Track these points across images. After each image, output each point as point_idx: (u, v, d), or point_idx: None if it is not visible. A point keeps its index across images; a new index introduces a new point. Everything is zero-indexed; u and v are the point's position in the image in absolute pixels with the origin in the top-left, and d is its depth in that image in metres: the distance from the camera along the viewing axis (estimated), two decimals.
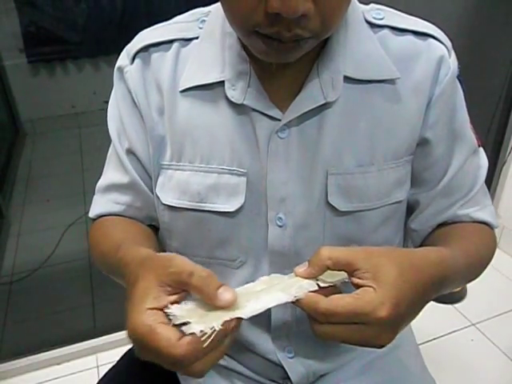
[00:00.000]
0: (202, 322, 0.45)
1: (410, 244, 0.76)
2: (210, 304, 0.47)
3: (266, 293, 0.50)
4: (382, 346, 0.50)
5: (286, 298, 0.49)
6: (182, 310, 0.46)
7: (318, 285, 0.50)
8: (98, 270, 0.70)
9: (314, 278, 0.51)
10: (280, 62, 0.57)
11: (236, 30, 0.56)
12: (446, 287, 0.57)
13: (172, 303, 0.46)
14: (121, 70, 0.67)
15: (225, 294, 0.46)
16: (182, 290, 0.47)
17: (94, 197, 0.75)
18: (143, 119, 0.66)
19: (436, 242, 0.67)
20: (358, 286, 0.49)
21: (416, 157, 0.66)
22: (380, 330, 0.48)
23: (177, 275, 0.46)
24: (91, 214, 0.74)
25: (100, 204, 0.73)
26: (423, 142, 0.65)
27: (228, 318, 0.46)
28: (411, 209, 0.71)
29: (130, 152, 0.68)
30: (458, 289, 1.79)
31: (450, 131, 0.66)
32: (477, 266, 0.67)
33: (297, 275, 0.51)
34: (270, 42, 0.51)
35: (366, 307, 0.46)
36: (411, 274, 0.50)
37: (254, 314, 0.47)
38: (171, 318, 0.45)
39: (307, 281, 0.51)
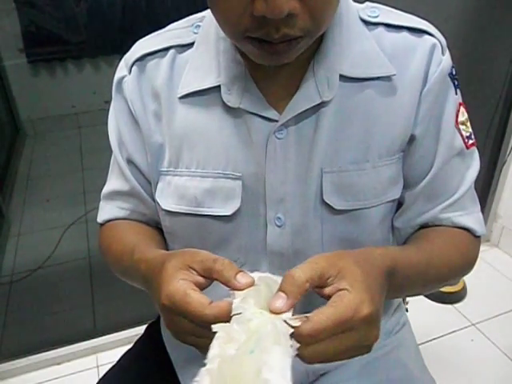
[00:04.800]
0: None
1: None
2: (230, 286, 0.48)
3: None
4: (370, 348, 0.49)
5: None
6: None
7: (285, 321, 0.45)
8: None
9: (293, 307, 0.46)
10: (276, 64, 0.57)
11: (229, 37, 0.57)
12: (400, 280, 0.56)
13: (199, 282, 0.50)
14: (120, 80, 0.68)
15: (242, 279, 0.49)
16: (205, 277, 0.51)
17: (100, 203, 0.77)
18: (140, 127, 0.66)
19: (407, 242, 0.68)
20: (328, 295, 0.47)
21: (404, 154, 0.66)
22: (366, 329, 0.47)
23: (202, 263, 0.50)
24: (99, 220, 0.77)
25: (106, 210, 0.76)
26: (411, 139, 0.65)
27: None
28: (397, 207, 0.71)
29: (130, 161, 0.70)
30: (458, 289, 1.79)
31: (436, 129, 0.65)
32: (444, 270, 0.66)
33: (276, 312, 0.45)
34: (262, 44, 0.52)
35: (349, 311, 0.45)
36: (369, 268, 0.50)
37: None
38: None
39: (281, 329, 0.44)
